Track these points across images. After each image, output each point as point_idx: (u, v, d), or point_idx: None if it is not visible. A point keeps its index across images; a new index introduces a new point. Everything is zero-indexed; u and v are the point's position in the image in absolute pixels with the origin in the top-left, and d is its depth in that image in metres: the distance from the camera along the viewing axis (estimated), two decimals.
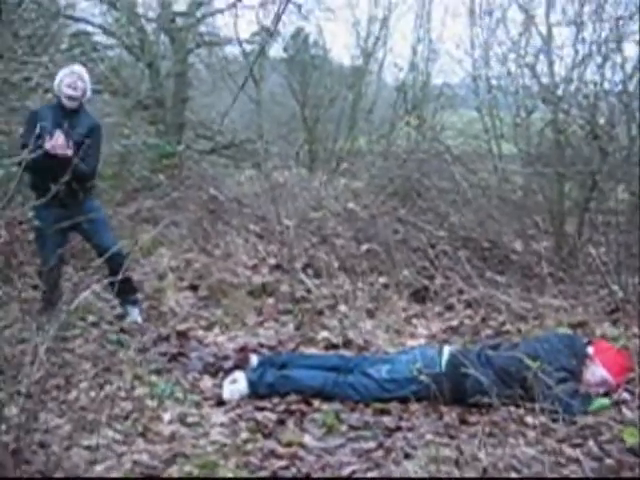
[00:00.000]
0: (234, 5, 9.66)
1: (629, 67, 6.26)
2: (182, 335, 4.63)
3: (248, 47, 11.17)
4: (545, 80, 6.34)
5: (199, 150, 9.73)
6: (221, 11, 10.29)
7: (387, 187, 6.29)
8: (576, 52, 6.20)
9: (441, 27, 11.32)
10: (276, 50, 11.41)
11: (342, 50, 15.25)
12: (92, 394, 3.44)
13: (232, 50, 11.43)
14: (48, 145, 4.41)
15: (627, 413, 3.32)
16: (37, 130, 4.23)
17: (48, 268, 4.35)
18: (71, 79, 4.67)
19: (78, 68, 4.85)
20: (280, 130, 10.61)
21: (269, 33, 10.52)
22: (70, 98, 4.66)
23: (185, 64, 10.15)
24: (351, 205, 5.78)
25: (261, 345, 4.42)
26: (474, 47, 7.50)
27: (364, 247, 5.31)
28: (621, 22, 6.14)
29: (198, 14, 10.34)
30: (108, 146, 7.93)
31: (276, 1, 9.98)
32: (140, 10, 9.89)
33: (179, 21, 10.17)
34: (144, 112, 9.33)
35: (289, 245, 5.33)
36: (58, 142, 4.45)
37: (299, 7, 9.66)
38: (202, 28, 10.77)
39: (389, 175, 6.55)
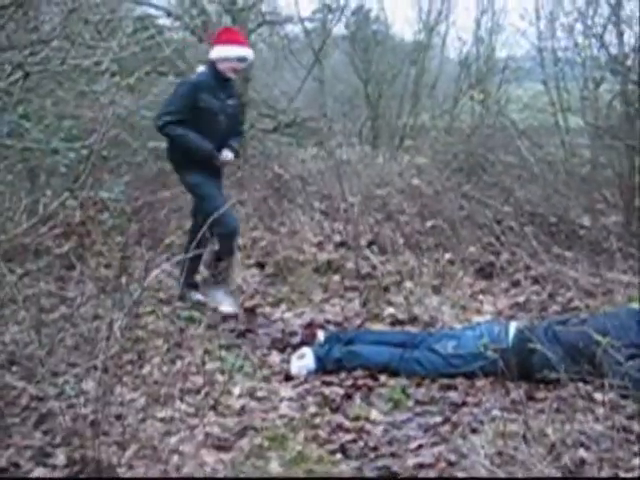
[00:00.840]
0: None
1: None
2: (250, 312, 4.72)
3: (309, 25, 11.20)
4: (614, 50, 6.19)
5: (262, 129, 9.78)
6: None
7: (451, 163, 6.25)
8: None
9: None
10: (338, 27, 11.39)
11: (404, 25, 15.08)
12: (164, 369, 3.55)
13: (293, 29, 11.47)
14: (218, 162, 4.76)
15: None
16: (200, 103, 4.59)
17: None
18: (244, 52, 4.75)
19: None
20: (343, 107, 10.60)
21: (330, 10, 10.52)
22: (236, 71, 4.81)
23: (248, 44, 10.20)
24: (415, 181, 5.76)
25: (327, 321, 4.47)
26: (539, 18, 7.37)
27: (429, 223, 5.31)
28: None
29: None
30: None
31: None
32: None
33: (240, 1, 10.21)
34: None
35: (354, 222, 5.36)
36: (227, 159, 4.80)
37: None
38: (263, 7, 10.82)
39: (453, 151, 6.50)
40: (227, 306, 4.70)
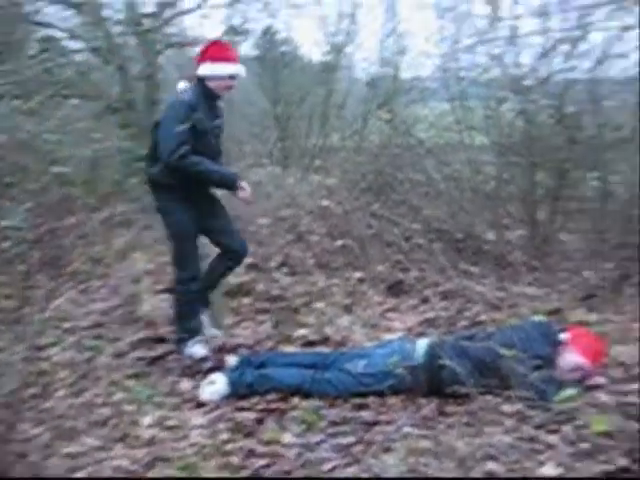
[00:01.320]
0: (201, 6, 9.61)
1: (596, 55, 6.37)
2: (160, 338, 4.62)
3: None
4: (513, 71, 6.38)
5: None
6: (189, 12, 10.23)
7: (360, 182, 6.31)
8: (543, 42, 6.27)
9: (409, 21, 11.44)
10: (247, 49, 11.39)
11: (312, 47, 15.24)
12: (70, 402, 3.43)
13: None
14: (241, 195, 4.42)
15: (603, 397, 3.36)
16: (195, 124, 4.23)
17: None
18: (237, 70, 4.40)
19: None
20: (253, 128, 10.55)
21: (237, 32, 10.51)
22: (229, 89, 4.45)
23: (155, 66, 10.06)
24: (325, 202, 5.78)
25: (239, 345, 4.42)
26: (442, 40, 7.54)
27: (338, 243, 5.32)
28: (587, 11, 6.21)
29: (165, 15, 10.26)
30: (79, 151, 7.88)
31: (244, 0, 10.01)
32: (106, 13, 9.79)
33: (146, 23, 10.08)
34: (114, 116, 9.25)
35: (264, 244, 5.33)
36: (247, 193, 4.43)
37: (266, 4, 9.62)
38: (170, 29, 10.71)
39: (362, 170, 6.56)
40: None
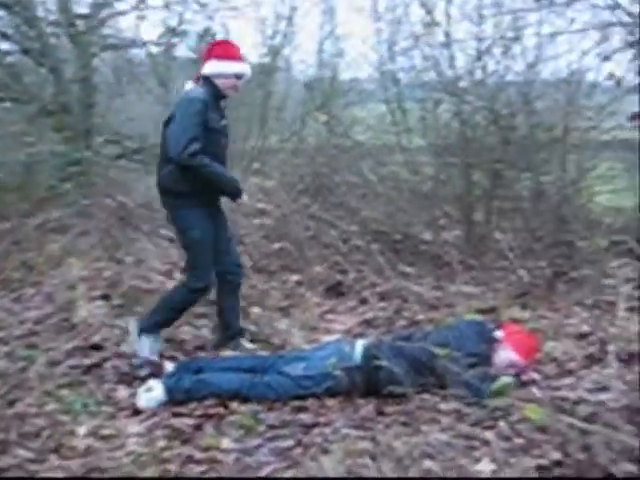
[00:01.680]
0: (137, 7, 9.50)
1: (529, 57, 6.50)
2: (96, 346, 4.52)
3: (154, 49, 11.03)
4: (448, 73, 6.47)
5: (108, 156, 9.49)
6: (124, 13, 10.09)
7: (298, 184, 6.31)
8: (477, 45, 6.37)
9: (346, 23, 11.52)
10: (185, 51, 11.29)
11: (250, 48, 15.21)
12: (1, 413, 3.34)
13: (139, 53, 11.25)
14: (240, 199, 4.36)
15: (536, 393, 3.42)
16: (209, 123, 4.10)
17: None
18: (243, 69, 4.28)
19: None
20: None
21: (175, 33, 10.41)
22: (236, 89, 4.34)
23: (89, 68, 9.89)
24: (261, 205, 5.76)
25: (177, 351, 4.36)
26: (379, 42, 7.60)
27: (276, 246, 5.31)
28: (520, 14, 6.35)
29: (101, 16, 10.10)
30: (12, 155, 7.70)
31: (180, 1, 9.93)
32: (39, 13, 9.58)
33: (81, 24, 9.90)
34: (49, 119, 9.05)
35: None
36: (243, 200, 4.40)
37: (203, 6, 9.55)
38: (106, 31, 10.54)
39: (299, 172, 6.56)
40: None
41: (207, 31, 11.69)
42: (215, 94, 4.22)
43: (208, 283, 4.27)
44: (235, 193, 4.28)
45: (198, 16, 10.42)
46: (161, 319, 4.31)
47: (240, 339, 4.39)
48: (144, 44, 10.70)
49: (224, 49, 4.28)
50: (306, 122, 9.37)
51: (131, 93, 10.80)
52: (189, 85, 4.29)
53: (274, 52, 10.50)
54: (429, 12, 6.42)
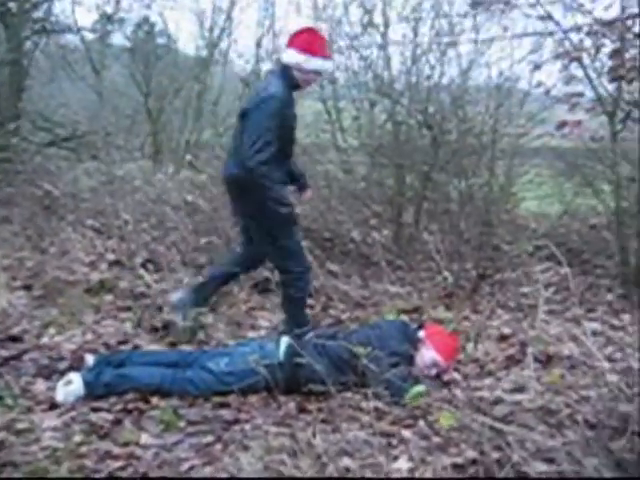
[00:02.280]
0: None
1: (463, 63, 6.61)
2: (15, 337, 4.40)
3: (89, 36, 10.83)
4: (384, 74, 6.52)
5: (37, 143, 9.28)
6: None
7: None
8: (413, 48, 6.44)
9: (284, 19, 11.51)
10: (120, 39, 11.12)
11: (188, 40, 15.11)
12: None
13: (73, 39, 11.04)
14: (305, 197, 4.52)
15: (457, 393, 3.48)
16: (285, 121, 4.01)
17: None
18: (322, 66, 4.11)
19: None
20: (124, 122, 10.31)
21: (110, 21, 10.24)
22: (310, 84, 4.21)
23: (20, 52, 9.64)
24: (190, 197, 5.70)
25: (99, 344, 4.28)
26: None
27: (203, 240, 5.26)
28: (456, 19, 6.45)
29: None
30: None
31: None
32: None
33: (13, 5, 9.64)
34: None
35: (128, 240, 5.19)
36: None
37: None
38: (39, 14, 10.30)
39: None
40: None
41: (146, 20, 11.55)
42: (291, 85, 4.07)
43: (306, 263, 4.35)
44: (278, 212, 4.12)
45: (135, 4, 10.28)
46: (301, 315, 4.36)
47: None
48: (79, 30, 10.51)
49: (307, 41, 4.04)
50: None
51: (64, 80, 10.58)
52: (270, 74, 4.22)
53: (211, 45, 10.44)
54: (367, 12, 6.46)
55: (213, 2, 10.38)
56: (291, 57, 4.06)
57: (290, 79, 4.05)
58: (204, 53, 10.47)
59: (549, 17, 5.53)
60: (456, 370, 3.76)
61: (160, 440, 3.16)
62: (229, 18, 10.37)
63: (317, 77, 4.18)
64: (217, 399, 3.52)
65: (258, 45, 9.88)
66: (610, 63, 5.23)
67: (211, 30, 10.41)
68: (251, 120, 3.98)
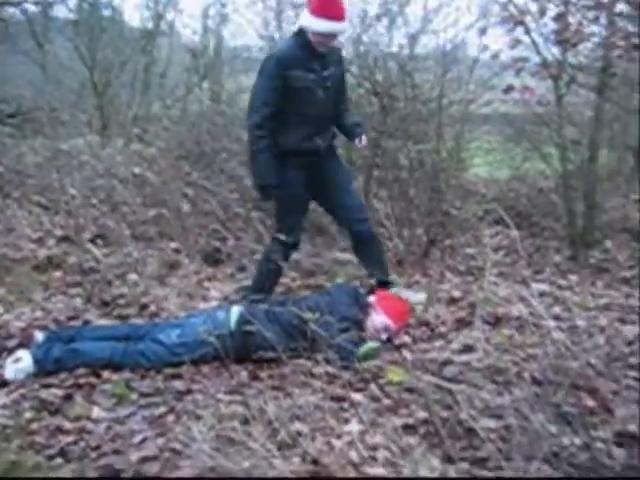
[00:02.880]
0: None
1: (411, 30, 6.61)
2: None
3: (31, 8, 10.55)
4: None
5: None
6: None
7: (179, 152, 6.21)
8: (361, 15, 6.41)
9: None
10: (64, 12, 10.85)
11: (134, 12, 14.79)
12: None
13: (14, 12, 10.75)
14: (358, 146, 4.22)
15: (407, 356, 3.53)
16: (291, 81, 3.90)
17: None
18: (332, 29, 3.91)
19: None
20: (70, 96, 10.09)
21: None
22: (326, 46, 4.00)
23: None
24: (137, 170, 5.63)
25: (49, 321, 4.23)
26: (265, 9, 7.51)
27: (152, 212, 5.21)
28: None
29: None
30: None
31: None
32: None
33: None
34: None
35: (75, 215, 5.12)
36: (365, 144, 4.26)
37: None
38: None
39: (181, 139, 6.45)
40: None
41: None
42: (302, 46, 3.99)
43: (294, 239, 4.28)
44: (261, 190, 4.19)
45: None
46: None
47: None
48: (20, 2, 10.23)
49: (320, 3, 3.89)
50: (190, 89, 9.24)
51: (6, 54, 10.31)
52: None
53: (157, 16, 10.26)
54: None
55: None
56: (302, 19, 4.04)
57: (302, 41, 4.00)
58: (150, 25, 10.28)
59: None
60: (407, 333, 3.81)
61: (112, 413, 3.15)
62: None
63: (328, 40, 4.00)
64: (169, 371, 3.52)
65: (205, 16, 9.77)
66: (554, 26, 5.29)
67: (156, 1, 10.23)
68: (255, 81, 4.06)
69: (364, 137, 4.27)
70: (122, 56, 9.79)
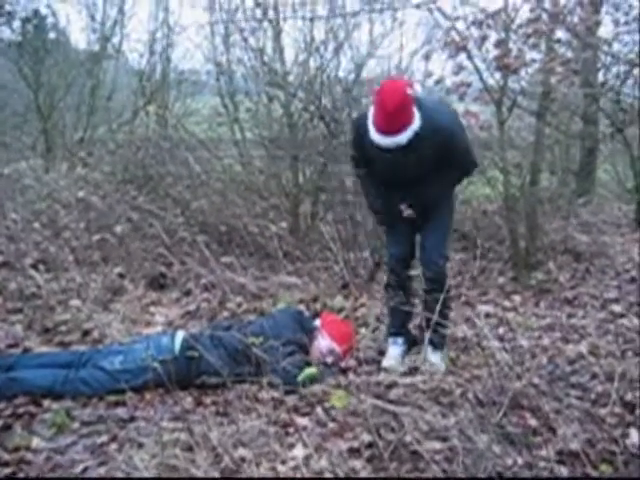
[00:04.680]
0: None
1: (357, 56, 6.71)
2: None
3: None
4: (277, 67, 6.52)
5: None
6: None
7: (124, 176, 6.15)
8: (308, 40, 6.48)
9: (180, 12, 11.42)
10: (8, 33, 10.69)
11: (80, 34, 14.66)
12: None
13: None
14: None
15: (353, 378, 3.53)
16: None
17: None
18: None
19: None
20: (14, 119, 9.94)
21: None
22: None
23: None
24: (81, 194, 5.55)
25: None
26: (214, 34, 7.51)
27: (96, 237, 5.13)
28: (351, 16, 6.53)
29: None
30: None
31: None
32: None
33: None
34: None
35: (17, 240, 5.01)
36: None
37: None
38: None
39: (127, 163, 6.40)
40: None
41: (37, 14, 11.13)
42: None
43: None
44: None
45: None
46: None
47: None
48: None
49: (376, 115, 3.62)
50: (137, 112, 9.17)
51: None
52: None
53: (104, 39, 10.19)
54: (258, 4, 6.43)
55: None
56: None
57: None
58: (96, 47, 10.20)
59: (438, 9, 5.66)
60: (353, 357, 3.81)
61: (52, 443, 3.08)
62: (121, 11, 10.15)
63: None
64: (112, 398, 3.46)
65: (152, 39, 9.73)
66: (496, 52, 5.41)
67: (103, 24, 10.16)
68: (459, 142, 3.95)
69: None
70: (67, 79, 9.68)
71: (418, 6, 5.49)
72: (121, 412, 3.34)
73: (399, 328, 4.02)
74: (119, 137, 8.48)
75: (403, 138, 3.55)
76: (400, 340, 4.01)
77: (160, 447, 2.84)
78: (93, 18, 10.16)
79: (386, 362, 3.87)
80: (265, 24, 6.62)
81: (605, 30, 6.75)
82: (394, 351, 3.97)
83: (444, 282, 3.78)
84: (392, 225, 4.01)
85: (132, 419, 3.27)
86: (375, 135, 3.61)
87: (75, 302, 4.49)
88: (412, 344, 4.07)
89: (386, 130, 3.56)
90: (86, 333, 4.21)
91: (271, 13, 6.44)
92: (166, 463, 2.70)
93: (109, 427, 3.19)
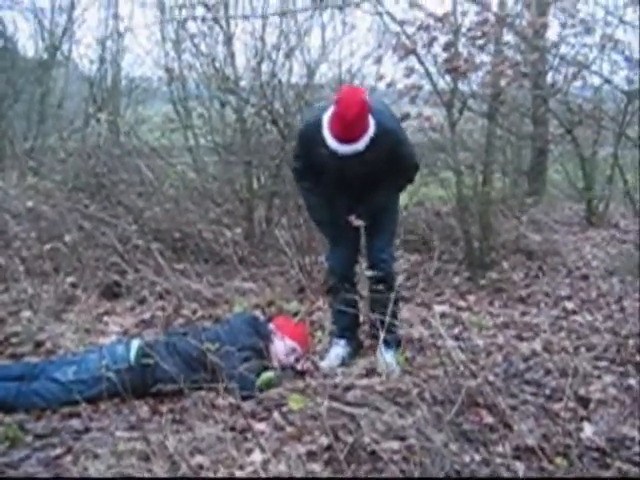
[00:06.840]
0: None
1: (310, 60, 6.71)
2: None
3: None
4: (228, 72, 6.49)
5: None
6: None
7: (75, 184, 6.07)
8: (260, 45, 6.47)
9: (129, 19, 11.30)
10: None
11: (28, 42, 14.41)
12: None
13: None
14: None
15: (311, 382, 3.53)
16: None
17: None
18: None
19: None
20: None
21: None
22: None
23: None
24: (32, 203, 5.46)
25: None
26: (165, 40, 7.45)
27: (47, 247, 5.05)
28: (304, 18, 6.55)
29: None
30: None
31: None
32: None
33: None
34: None
35: None
36: None
37: None
38: None
39: (79, 172, 6.31)
40: None
41: None
42: None
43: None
44: None
45: None
46: None
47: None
48: None
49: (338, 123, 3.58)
50: (89, 120, 9.05)
51: None
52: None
53: (53, 46, 10.03)
54: (209, 9, 6.40)
55: (52, 1, 9.94)
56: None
57: None
58: (45, 55, 10.04)
59: (387, 13, 5.72)
60: (309, 360, 3.81)
61: (5, 458, 3.00)
62: (70, 18, 10.00)
63: None
64: (66, 409, 3.39)
65: (102, 46, 9.60)
66: (444, 55, 5.48)
67: (52, 32, 10.00)
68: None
69: None
70: (16, 86, 9.51)
71: (357, 5, 5.56)
72: (76, 423, 3.28)
73: (342, 331, 4.10)
74: (70, 145, 8.35)
75: (361, 144, 3.60)
76: (342, 342, 4.07)
77: (116, 457, 2.81)
78: (42, 25, 10.00)
79: (324, 362, 3.92)
80: (216, 29, 6.60)
81: (552, 32, 6.86)
82: (334, 351, 4.03)
83: (393, 282, 3.87)
84: (336, 236, 4.06)
85: (87, 430, 3.22)
86: (332, 143, 3.61)
87: (26, 313, 4.41)
88: (358, 347, 4.14)
89: (345, 138, 3.58)
90: (39, 344, 4.13)
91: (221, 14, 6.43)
92: (122, 473, 2.66)
93: (63, 439, 3.13)
